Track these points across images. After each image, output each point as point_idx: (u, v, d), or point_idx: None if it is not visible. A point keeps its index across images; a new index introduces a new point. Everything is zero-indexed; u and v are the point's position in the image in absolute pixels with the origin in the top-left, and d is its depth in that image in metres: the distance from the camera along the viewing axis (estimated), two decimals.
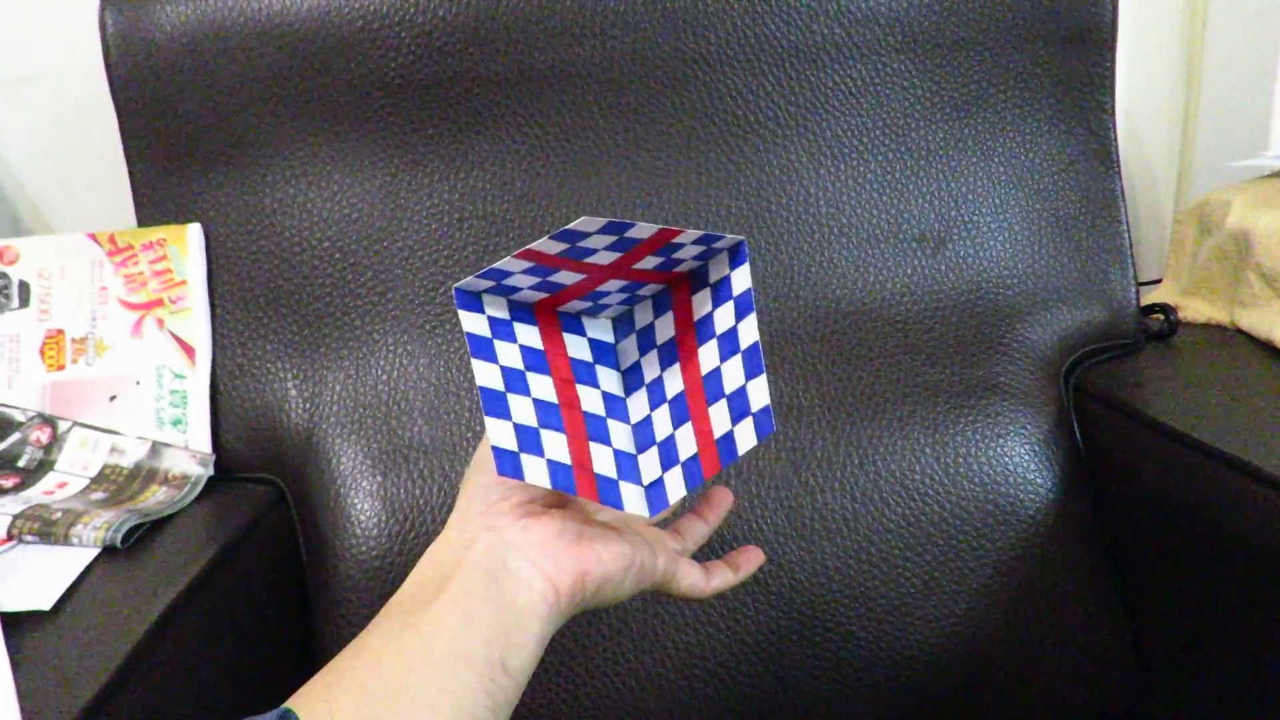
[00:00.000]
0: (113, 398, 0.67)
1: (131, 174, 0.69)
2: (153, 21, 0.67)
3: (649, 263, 0.39)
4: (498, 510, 0.41)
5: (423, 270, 0.68)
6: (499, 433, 0.39)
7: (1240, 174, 0.78)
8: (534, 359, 0.41)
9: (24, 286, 0.69)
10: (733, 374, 0.41)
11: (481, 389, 0.38)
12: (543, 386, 0.40)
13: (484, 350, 0.39)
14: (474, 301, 0.39)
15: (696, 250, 0.40)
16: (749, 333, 0.41)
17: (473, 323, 0.39)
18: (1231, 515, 0.56)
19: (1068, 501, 0.66)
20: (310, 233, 0.68)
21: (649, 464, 0.42)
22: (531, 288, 0.39)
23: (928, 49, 0.69)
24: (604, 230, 0.36)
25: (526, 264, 0.37)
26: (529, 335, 0.41)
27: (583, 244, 0.36)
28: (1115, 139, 0.72)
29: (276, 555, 0.65)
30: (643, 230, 0.36)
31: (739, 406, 0.41)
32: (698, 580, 0.45)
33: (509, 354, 0.40)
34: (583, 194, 0.69)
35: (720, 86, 0.69)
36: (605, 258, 0.38)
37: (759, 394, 0.41)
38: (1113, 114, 0.72)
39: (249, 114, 0.67)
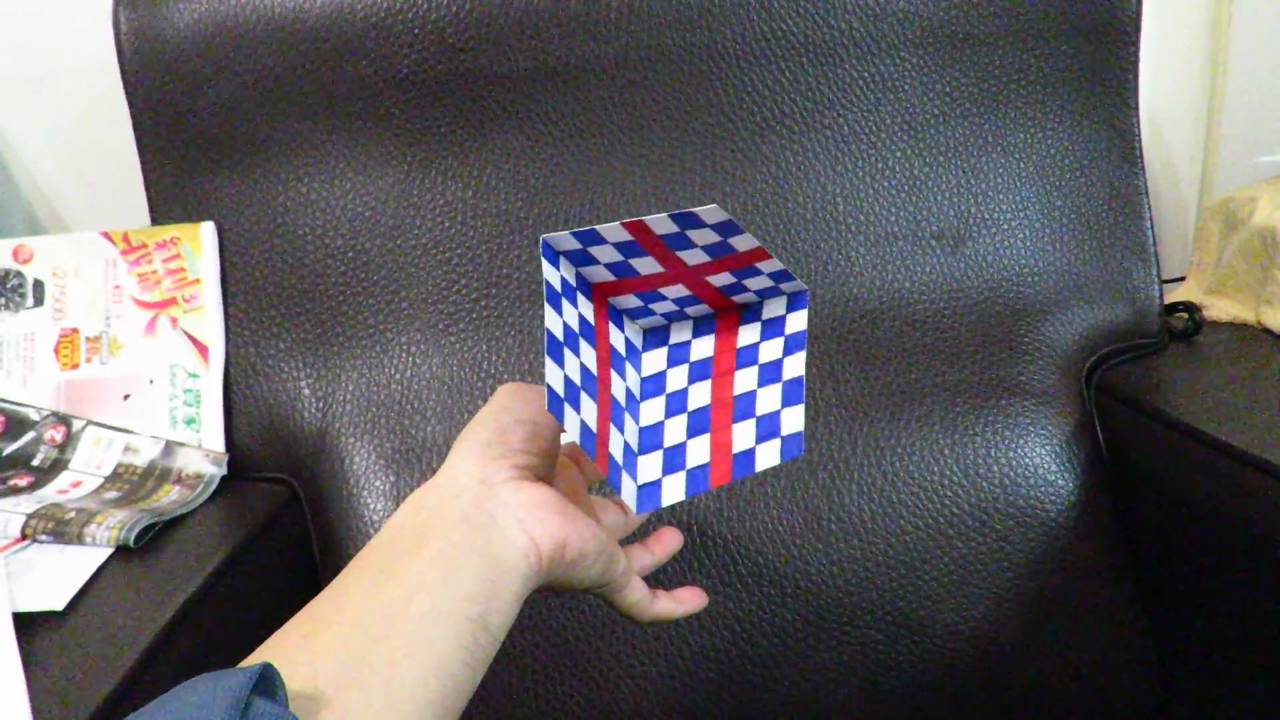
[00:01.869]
0: (126, 396, 0.67)
1: (145, 172, 0.69)
2: (166, 19, 0.66)
3: (722, 279, 0.41)
4: (494, 466, 0.41)
5: (436, 269, 0.68)
6: (554, 376, 0.40)
7: (1266, 170, 0.77)
8: (586, 329, 0.42)
9: (38, 285, 0.69)
10: (768, 399, 0.43)
11: (548, 332, 0.40)
12: (589, 355, 0.42)
13: (555, 302, 0.40)
14: (554, 257, 0.40)
15: (765, 284, 0.42)
16: (795, 367, 0.42)
17: (551, 274, 0.40)
18: (1258, 518, 0.55)
19: (1089, 504, 0.65)
20: (323, 231, 0.68)
21: (648, 465, 0.43)
22: (607, 265, 0.41)
23: (947, 44, 0.68)
24: (716, 227, 0.37)
25: (624, 237, 0.38)
26: (586, 307, 0.42)
27: (690, 233, 0.38)
28: (1139, 134, 0.71)
29: (290, 555, 0.65)
30: (744, 242, 0.38)
31: (768, 428, 0.42)
32: (644, 598, 0.47)
33: (571, 315, 0.41)
34: (597, 191, 0.68)
35: (735, 82, 0.68)
36: (695, 257, 0.40)
37: (793, 420, 0.42)
38: (1136, 109, 0.71)
39: (262, 112, 0.67)
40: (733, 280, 0.41)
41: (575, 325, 0.41)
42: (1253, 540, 0.55)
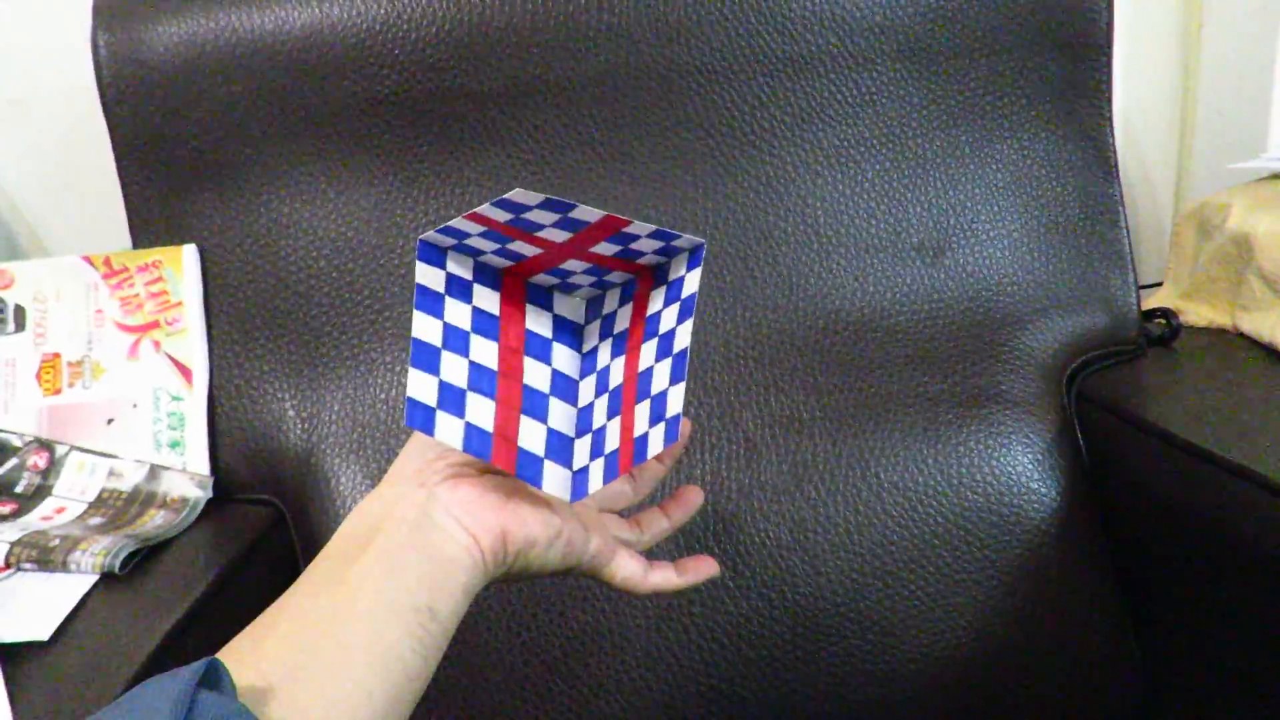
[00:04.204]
0: (110, 421, 0.67)
1: (126, 195, 0.68)
2: (145, 42, 0.66)
3: (605, 249, 0.39)
4: (431, 469, 0.41)
5: None
6: (419, 385, 0.39)
7: (1239, 176, 0.78)
8: (484, 323, 0.41)
9: (19, 310, 0.68)
10: (661, 376, 0.41)
11: (414, 340, 0.39)
12: (485, 351, 0.41)
13: (431, 305, 0.39)
14: (437, 256, 0.39)
15: (657, 245, 0.39)
16: (684, 338, 0.40)
17: (427, 276, 0.39)
18: (1236, 522, 0.55)
19: (1072, 510, 0.66)
20: (306, 252, 0.68)
21: (582, 450, 0.41)
22: (493, 253, 0.40)
23: (923, 57, 0.69)
24: (544, 206, 0.36)
25: (479, 227, 0.37)
26: (487, 299, 0.41)
27: (526, 216, 0.37)
28: (1113, 144, 0.72)
29: (277, 577, 0.64)
30: (588, 214, 0.36)
31: (658, 409, 0.41)
32: (635, 572, 0.45)
33: (458, 313, 0.40)
34: None
35: (715, 98, 0.69)
36: (556, 235, 0.38)
37: (675, 402, 0.40)
38: (1110, 119, 0.72)
39: (243, 134, 0.67)
40: (618, 248, 0.39)
41: (466, 322, 0.40)
42: (1232, 543, 0.56)
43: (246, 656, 0.35)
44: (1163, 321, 0.73)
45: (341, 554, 0.39)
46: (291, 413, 0.67)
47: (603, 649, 0.62)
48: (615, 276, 0.42)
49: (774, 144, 0.69)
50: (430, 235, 0.38)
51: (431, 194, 0.68)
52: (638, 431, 0.41)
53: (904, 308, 0.69)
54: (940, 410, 0.66)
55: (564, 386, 0.42)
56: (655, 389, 0.41)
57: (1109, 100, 0.72)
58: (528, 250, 0.39)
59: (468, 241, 0.39)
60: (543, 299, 0.43)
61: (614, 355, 0.42)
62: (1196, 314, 0.76)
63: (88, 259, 0.69)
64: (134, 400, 0.67)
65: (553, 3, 0.66)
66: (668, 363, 0.40)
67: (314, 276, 0.68)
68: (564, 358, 0.42)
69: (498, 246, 0.39)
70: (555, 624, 0.62)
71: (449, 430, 0.40)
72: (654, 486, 0.49)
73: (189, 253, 0.68)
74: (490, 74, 0.67)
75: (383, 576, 0.38)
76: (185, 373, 0.67)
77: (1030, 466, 0.66)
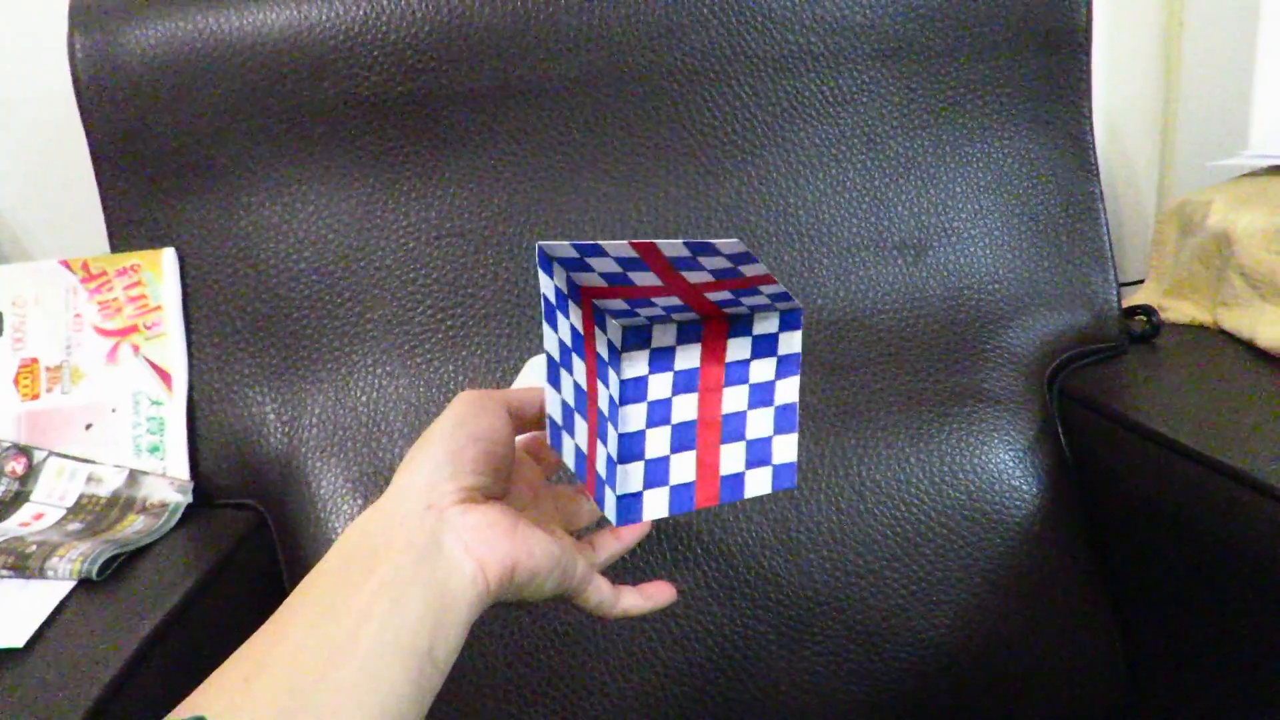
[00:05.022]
0: (89, 426, 0.66)
1: (104, 199, 0.68)
2: (122, 44, 0.66)
3: (719, 295, 0.40)
4: (442, 491, 0.39)
5: (401, 289, 0.67)
6: (554, 404, 0.39)
7: (1220, 173, 0.78)
8: (577, 340, 0.41)
9: None
10: (759, 423, 0.42)
11: (547, 355, 0.39)
12: (580, 369, 0.41)
13: (551, 317, 0.39)
14: (548, 266, 0.39)
15: (762, 300, 0.40)
16: (788, 392, 0.42)
17: (548, 286, 0.39)
18: (1217, 518, 0.55)
19: (1054, 508, 0.66)
20: (286, 254, 0.68)
21: (628, 475, 0.42)
22: (603, 274, 0.39)
23: (903, 57, 0.69)
24: (730, 257, 0.36)
25: (629, 254, 0.37)
26: (576, 316, 0.41)
27: (702, 259, 0.37)
28: (1093, 142, 0.72)
29: (258, 582, 0.64)
30: (754, 269, 0.37)
31: (759, 454, 0.42)
32: (607, 597, 0.46)
33: (564, 328, 0.40)
34: (561, 209, 0.68)
35: (696, 98, 0.68)
36: (699, 277, 0.38)
37: (785, 450, 0.42)
38: (1090, 117, 0.72)
39: (222, 136, 0.67)
40: (730, 297, 0.40)
41: (569, 339, 0.40)
42: (1213, 540, 0.56)
43: (237, 701, 0.33)
44: (1144, 319, 0.74)
45: (342, 575, 0.38)
46: (272, 416, 0.67)
47: (587, 650, 0.62)
48: (678, 315, 0.42)
49: (755, 144, 0.69)
50: (550, 245, 0.37)
51: (413, 195, 0.68)
52: (726, 470, 0.42)
53: (886, 307, 0.69)
54: (923, 409, 0.66)
55: (613, 410, 0.43)
56: (753, 434, 0.42)
57: (1089, 98, 0.72)
58: (645, 280, 0.39)
59: (589, 259, 0.38)
60: (600, 321, 0.42)
61: (676, 391, 0.43)
62: (1178, 311, 0.77)
63: (66, 263, 0.68)
64: (113, 405, 0.67)
65: (533, 4, 0.66)
66: (768, 412, 0.42)
67: (294, 279, 0.67)
68: (613, 381, 0.43)
69: (615, 271, 0.38)
70: (540, 625, 0.62)
71: (568, 450, 0.40)
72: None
73: (168, 256, 0.67)
74: (471, 75, 0.66)
75: (385, 613, 0.36)
76: (165, 377, 0.67)
77: (1012, 464, 0.66)
